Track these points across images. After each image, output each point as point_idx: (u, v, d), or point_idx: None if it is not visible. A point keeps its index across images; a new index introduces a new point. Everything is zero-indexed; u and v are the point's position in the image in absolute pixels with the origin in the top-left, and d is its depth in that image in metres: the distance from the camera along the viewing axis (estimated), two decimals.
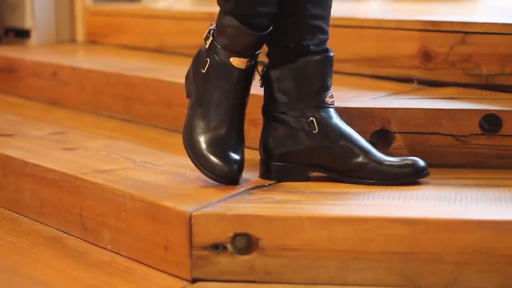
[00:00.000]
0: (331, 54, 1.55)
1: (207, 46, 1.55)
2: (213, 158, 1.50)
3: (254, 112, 1.61)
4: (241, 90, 1.54)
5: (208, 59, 1.54)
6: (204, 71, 1.55)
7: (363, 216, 1.35)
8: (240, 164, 1.52)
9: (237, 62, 1.52)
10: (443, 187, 1.51)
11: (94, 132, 2.07)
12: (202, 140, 1.51)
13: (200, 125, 1.53)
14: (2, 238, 1.64)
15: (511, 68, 1.87)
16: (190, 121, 1.54)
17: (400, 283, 1.34)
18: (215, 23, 1.56)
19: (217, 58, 1.53)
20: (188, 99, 1.58)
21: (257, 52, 1.54)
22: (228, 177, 1.50)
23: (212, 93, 1.53)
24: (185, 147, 1.54)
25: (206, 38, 1.56)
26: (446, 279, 1.33)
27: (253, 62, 1.54)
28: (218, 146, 1.51)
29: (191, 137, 1.53)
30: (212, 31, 1.56)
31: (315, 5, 1.54)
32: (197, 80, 1.56)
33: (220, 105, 1.53)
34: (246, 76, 1.54)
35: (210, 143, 1.51)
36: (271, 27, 1.53)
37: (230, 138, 1.52)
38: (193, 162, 1.52)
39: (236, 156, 1.51)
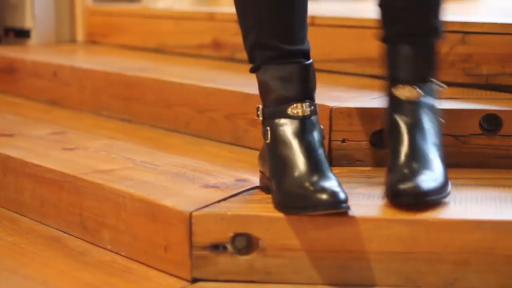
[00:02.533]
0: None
1: (261, 118, 1.47)
2: (318, 196, 1.33)
3: (253, 112, 1.61)
4: (310, 139, 1.43)
5: (268, 127, 1.45)
6: (268, 141, 1.46)
7: (363, 216, 1.35)
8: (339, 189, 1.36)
9: (294, 110, 1.44)
10: None
11: (94, 132, 2.07)
12: (299, 196, 1.36)
13: (291, 190, 1.38)
14: (2, 238, 1.64)
15: (511, 68, 1.87)
16: (278, 195, 1.40)
17: (399, 283, 1.34)
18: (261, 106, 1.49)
19: (274, 121, 1.45)
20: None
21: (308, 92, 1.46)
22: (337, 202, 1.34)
23: (285, 155, 1.42)
24: (289, 213, 1.37)
25: (258, 115, 1.48)
26: (446, 279, 1.33)
27: (309, 110, 1.45)
28: (313, 187, 1.36)
29: (287, 204, 1.38)
30: (258, 107, 1.48)
31: None
32: (269, 154, 1.46)
33: (297, 162, 1.40)
34: (309, 123, 1.44)
35: (306, 192, 1.35)
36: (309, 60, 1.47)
37: (321, 177, 1.38)
38: (307, 215, 1.37)
39: (332, 185, 1.37)
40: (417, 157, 1.41)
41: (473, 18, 2.08)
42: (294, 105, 1.44)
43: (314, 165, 1.40)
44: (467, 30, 1.92)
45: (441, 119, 1.50)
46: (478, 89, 1.91)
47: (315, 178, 1.37)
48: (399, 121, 1.46)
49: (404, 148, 1.43)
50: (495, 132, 1.64)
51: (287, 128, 1.44)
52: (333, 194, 1.32)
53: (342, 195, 1.33)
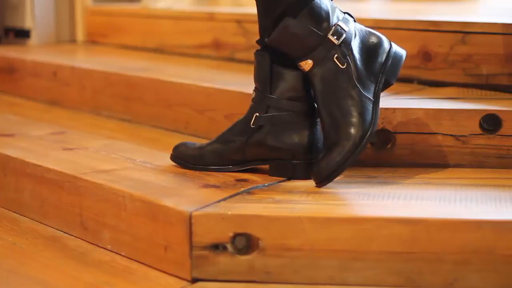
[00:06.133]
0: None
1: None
2: None
3: None
4: None
5: None
6: None
7: (363, 216, 1.36)
8: None
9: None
10: (443, 187, 1.51)
11: (94, 132, 2.07)
12: None
13: None
14: (2, 238, 1.64)
15: (511, 68, 1.87)
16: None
17: (400, 283, 1.34)
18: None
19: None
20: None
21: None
22: None
23: None
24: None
25: None
26: (446, 279, 1.33)
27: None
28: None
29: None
30: None
31: None
32: None
33: None
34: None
35: None
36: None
37: None
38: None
39: None
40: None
41: (473, 18, 2.08)
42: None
43: None
44: (467, 30, 1.92)
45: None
46: (478, 89, 1.91)
47: None
48: None
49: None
50: (495, 132, 1.64)
51: None
52: None
53: None
